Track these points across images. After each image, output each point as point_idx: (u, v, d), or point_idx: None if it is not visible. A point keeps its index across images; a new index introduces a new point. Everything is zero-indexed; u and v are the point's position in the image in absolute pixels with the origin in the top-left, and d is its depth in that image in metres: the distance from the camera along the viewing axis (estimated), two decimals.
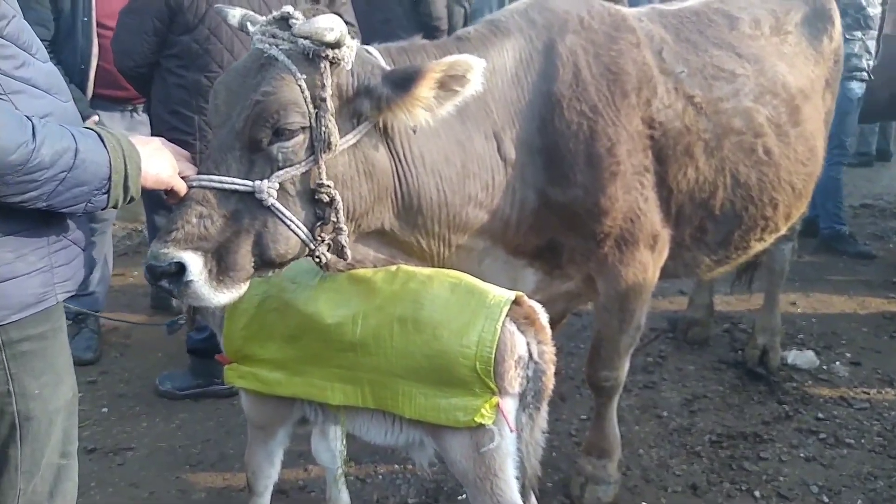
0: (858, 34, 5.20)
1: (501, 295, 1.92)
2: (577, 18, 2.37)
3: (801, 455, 3.23)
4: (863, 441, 3.32)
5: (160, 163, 1.67)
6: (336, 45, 1.81)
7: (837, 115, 5.35)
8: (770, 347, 3.95)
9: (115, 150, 1.51)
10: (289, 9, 1.86)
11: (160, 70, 3.47)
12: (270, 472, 2.41)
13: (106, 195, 1.52)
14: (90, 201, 1.53)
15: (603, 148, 2.29)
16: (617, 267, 2.50)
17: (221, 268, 1.80)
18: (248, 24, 1.96)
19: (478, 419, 1.82)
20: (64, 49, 4.02)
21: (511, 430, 1.86)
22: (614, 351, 2.71)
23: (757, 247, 2.97)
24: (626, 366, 2.80)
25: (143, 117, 4.26)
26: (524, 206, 2.33)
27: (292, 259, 1.93)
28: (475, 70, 1.88)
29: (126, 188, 1.55)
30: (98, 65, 4.02)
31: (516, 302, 1.93)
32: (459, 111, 2.15)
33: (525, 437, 1.89)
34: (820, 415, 3.53)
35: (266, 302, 2.11)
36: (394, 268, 2.07)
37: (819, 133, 3.00)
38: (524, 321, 1.90)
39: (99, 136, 1.52)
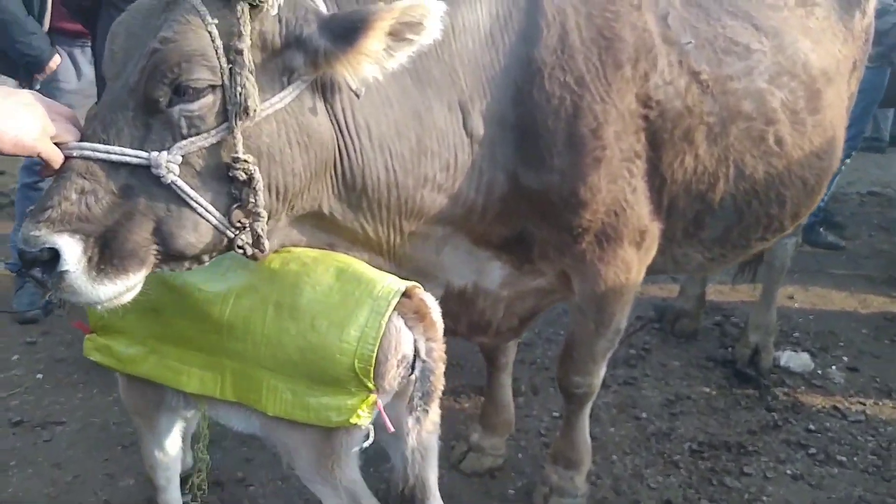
0: None
1: (391, 285, 1.69)
2: None
3: (788, 472, 2.97)
4: (855, 459, 3.06)
5: (22, 123, 1.34)
6: None
7: (862, 102, 5.03)
8: (763, 347, 3.67)
9: None
10: None
11: (106, 4, 3.11)
12: (168, 464, 2.18)
13: None
14: None
15: (587, 128, 1.95)
16: (596, 265, 2.18)
17: (107, 258, 1.48)
18: None
19: (353, 420, 1.64)
20: None
21: (390, 431, 1.67)
22: (588, 355, 2.41)
23: (758, 246, 2.65)
24: (602, 372, 2.51)
25: None
26: (492, 190, 1.99)
27: (210, 250, 1.61)
28: (432, 14, 1.55)
29: None
30: None
31: (406, 294, 1.72)
32: (418, 75, 1.82)
33: (410, 442, 1.71)
34: (811, 426, 3.26)
35: None
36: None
37: (840, 122, 2.64)
38: (413, 316, 1.71)
39: None
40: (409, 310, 1.71)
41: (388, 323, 1.64)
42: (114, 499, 2.68)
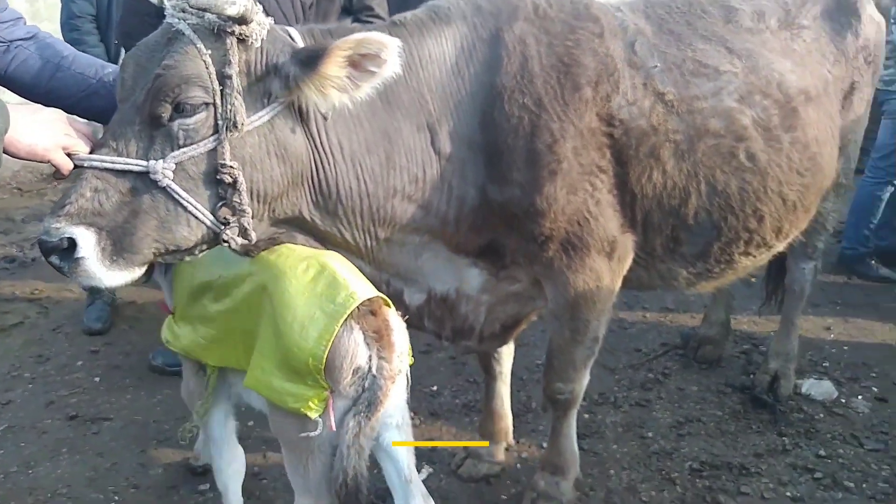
0: None
1: (353, 294, 1.86)
2: (530, 6, 2.22)
3: (788, 494, 2.94)
4: (864, 486, 2.99)
5: (38, 134, 1.66)
6: (241, 20, 1.76)
7: (894, 127, 4.92)
8: (782, 374, 3.62)
9: None
10: None
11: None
12: (222, 468, 2.49)
13: None
14: None
15: (543, 144, 2.13)
16: (565, 273, 2.33)
17: (117, 248, 1.76)
18: (166, 1, 1.92)
19: (304, 410, 1.82)
20: (102, 27, 4.20)
21: (332, 429, 1.85)
22: (568, 363, 2.54)
23: (744, 262, 2.71)
24: (585, 379, 2.62)
25: None
26: (463, 203, 2.20)
27: (202, 243, 1.89)
28: (389, 49, 1.79)
29: None
30: None
31: (374, 313, 1.90)
32: (388, 99, 2.07)
33: (348, 440, 1.86)
34: (822, 452, 3.20)
35: None
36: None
37: (827, 141, 2.69)
38: (372, 335, 1.87)
39: None
40: (371, 328, 1.88)
41: (350, 335, 1.83)
42: (142, 484, 2.98)
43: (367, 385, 1.86)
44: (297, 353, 1.81)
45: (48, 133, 1.69)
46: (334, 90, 1.82)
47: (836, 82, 2.81)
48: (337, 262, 1.99)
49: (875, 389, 3.74)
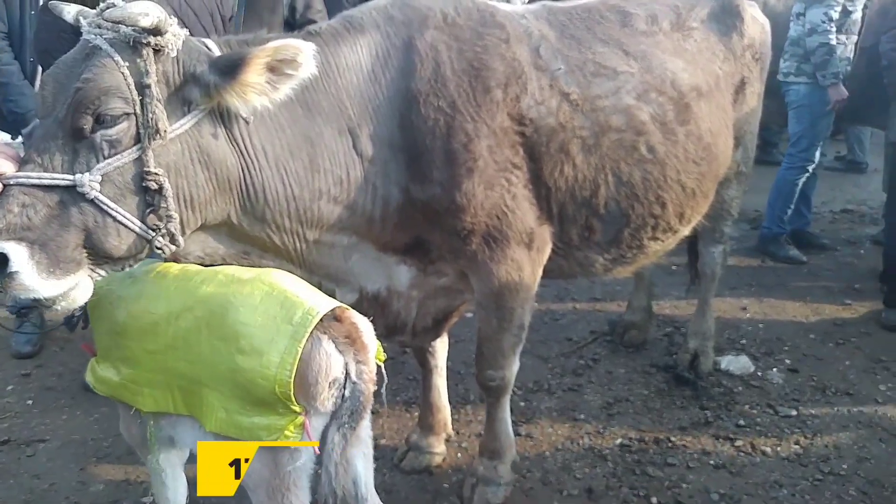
0: (843, 38, 5.08)
1: (312, 310, 1.77)
2: (440, 14, 2.35)
3: (711, 462, 3.15)
4: (779, 449, 3.24)
5: None
6: (156, 31, 1.82)
7: (806, 118, 5.29)
8: (701, 352, 3.87)
9: None
10: None
11: None
12: (169, 498, 2.25)
13: None
14: None
15: (459, 144, 2.27)
16: (488, 264, 2.46)
17: (52, 259, 1.78)
18: (81, 18, 1.97)
19: (281, 440, 1.73)
20: (16, 43, 4.13)
21: (318, 453, 1.78)
22: (497, 350, 2.67)
23: (654, 246, 2.91)
24: (515, 366, 2.76)
25: None
26: (388, 203, 2.31)
27: (134, 253, 1.92)
28: (304, 53, 1.88)
29: None
30: None
31: (337, 318, 1.83)
32: (308, 106, 2.16)
33: (335, 457, 1.78)
34: (741, 422, 3.45)
35: (108, 293, 2.09)
36: (220, 267, 2.01)
37: (721, 132, 2.93)
38: (344, 340, 1.80)
39: None
40: (340, 334, 1.80)
41: (318, 348, 1.74)
42: (83, 502, 2.96)
43: (347, 394, 1.78)
44: (261, 383, 1.71)
45: None
46: (255, 94, 1.90)
47: (727, 78, 3.05)
48: (283, 279, 1.92)
49: (788, 361, 4.03)
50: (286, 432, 1.73)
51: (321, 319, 1.77)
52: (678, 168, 2.71)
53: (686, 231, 3.07)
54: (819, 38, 4.95)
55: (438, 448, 3.16)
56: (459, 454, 3.25)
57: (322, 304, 1.82)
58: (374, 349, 1.89)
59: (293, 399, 1.72)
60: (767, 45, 3.37)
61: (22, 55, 4.11)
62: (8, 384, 3.93)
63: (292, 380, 1.70)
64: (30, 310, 4.30)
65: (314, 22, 3.53)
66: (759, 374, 3.90)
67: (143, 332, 1.92)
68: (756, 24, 3.21)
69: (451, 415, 3.29)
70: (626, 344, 4.20)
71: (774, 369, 3.95)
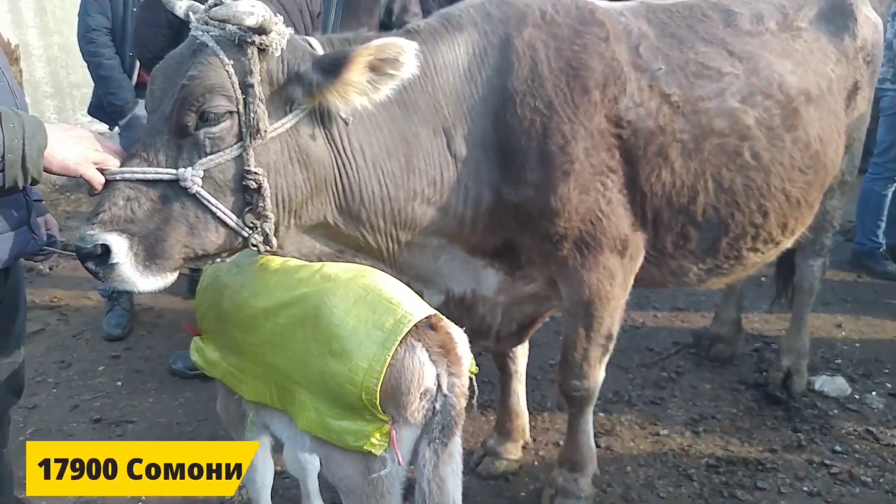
0: None
1: (405, 318, 1.70)
2: (538, 12, 2.28)
3: (805, 489, 2.97)
4: (881, 481, 3.02)
5: (70, 150, 1.72)
6: (261, 30, 1.83)
7: (891, 122, 4.95)
8: (795, 370, 3.66)
9: (13, 131, 1.58)
10: None
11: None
12: (254, 479, 2.31)
13: (1, 173, 1.59)
14: None
15: (555, 146, 2.20)
16: (579, 271, 2.38)
17: (149, 254, 1.82)
18: (191, 13, 2.01)
19: (367, 447, 1.69)
20: (118, 38, 4.32)
21: (399, 464, 1.72)
22: (583, 360, 2.59)
23: (753, 257, 2.75)
24: (600, 376, 2.67)
25: None
26: (479, 204, 2.27)
27: (227, 249, 1.95)
28: (407, 52, 1.86)
29: (25, 169, 1.61)
30: None
31: (433, 327, 1.75)
32: (405, 105, 2.14)
33: (427, 473, 1.72)
34: (837, 447, 3.24)
35: (216, 279, 2.14)
36: (319, 264, 1.99)
37: (831, 139, 2.74)
38: (438, 350, 1.72)
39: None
40: (435, 343, 1.72)
41: (412, 355, 1.67)
42: None
43: (438, 407, 1.70)
44: (349, 388, 1.67)
45: (79, 149, 1.74)
46: (356, 94, 1.89)
47: (840, 81, 2.86)
48: (380, 280, 1.85)
49: (889, 385, 3.77)
50: (372, 439, 1.69)
51: (416, 326, 1.71)
52: (783, 176, 2.55)
53: (788, 243, 2.90)
54: None
55: (515, 454, 3.10)
56: (536, 462, 3.18)
57: (417, 311, 1.75)
58: (468, 361, 1.80)
59: (379, 407, 1.68)
60: (880, 47, 3.15)
61: (122, 49, 4.29)
62: (99, 364, 4.11)
63: (378, 388, 1.65)
64: (121, 294, 4.50)
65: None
66: (857, 396, 3.66)
67: (244, 324, 1.95)
68: (869, 24, 3.00)
69: (528, 421, 3.22)
70: (711, 358, 4.02)
71: (874, 392, 3.70)
